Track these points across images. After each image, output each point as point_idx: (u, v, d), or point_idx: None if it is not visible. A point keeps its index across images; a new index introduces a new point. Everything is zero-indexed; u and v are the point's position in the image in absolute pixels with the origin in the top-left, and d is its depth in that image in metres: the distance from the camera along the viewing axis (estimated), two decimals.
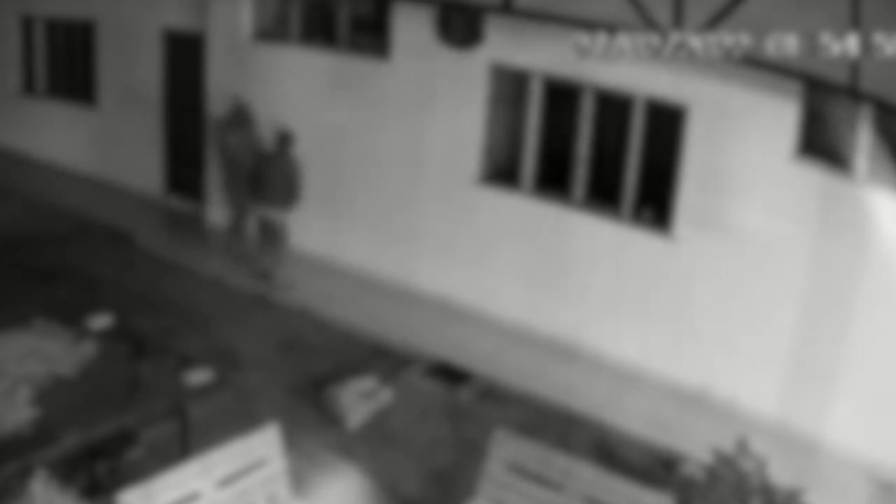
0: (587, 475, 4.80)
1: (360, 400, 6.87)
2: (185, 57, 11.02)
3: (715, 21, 5.98)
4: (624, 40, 5.47)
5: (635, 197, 8.00)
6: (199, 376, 5.66)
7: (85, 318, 6.16)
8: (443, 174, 8.85)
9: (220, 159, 10.06)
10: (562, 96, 8.23)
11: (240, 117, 9.65)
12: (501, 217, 8.60)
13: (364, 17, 9.46)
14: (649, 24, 6.30)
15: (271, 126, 9.51)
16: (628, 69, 7.37)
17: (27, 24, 13.02)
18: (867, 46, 4.95)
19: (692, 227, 7.61)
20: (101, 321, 6.16)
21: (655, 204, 7.90)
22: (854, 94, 5.81)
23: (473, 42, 8.50)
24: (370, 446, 6.52)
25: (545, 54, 8.02)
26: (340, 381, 7.08)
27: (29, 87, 13.21)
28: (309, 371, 7.54)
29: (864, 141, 6.52)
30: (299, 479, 5.42)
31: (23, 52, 13.14)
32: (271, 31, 10.11)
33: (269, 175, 9.12)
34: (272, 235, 9.30)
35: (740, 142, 7.23)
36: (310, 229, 10.01)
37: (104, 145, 12.24)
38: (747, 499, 5.36)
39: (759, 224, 7.21)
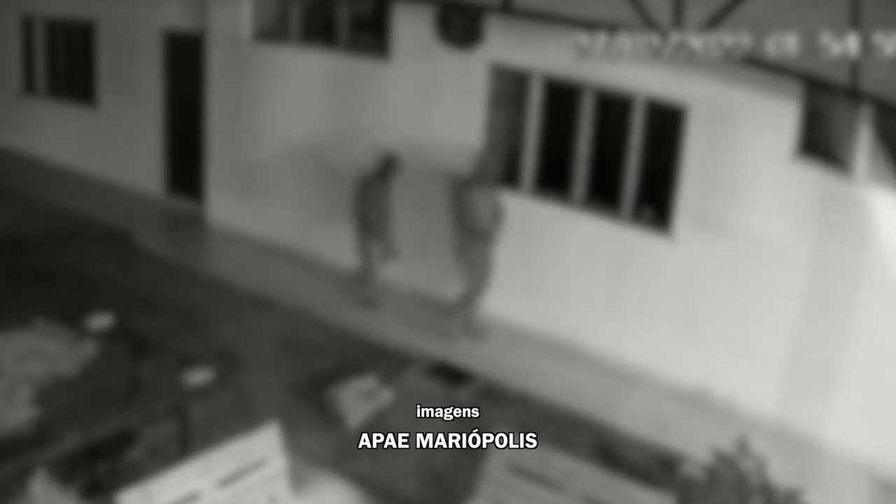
0: (587, 475, 4.80)
1: (360, 400, 6.87)
2: (185, 57, 11.02)
3: (715, 21, 5.98)
4: (624, 40, 5.47)
5: (635, 197, 8.00)
6: (199, 376, 5.65)
7: (85, 318, 6.15)
8: (443, 174, 8.84)
9: (455, 219, 8.27)
10: (562, 96, 8.24)
11: (486, 174, 8.08)
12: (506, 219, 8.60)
13: (364, 17, 9.46)
14: (649, 24, 6.30)
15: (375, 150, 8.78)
16: (628, 69, 7.37)
17: (27, 24, 13.02)
18: (867, 46, 4.94)
19: (692, 227, 7.61)
20: (101, 321, 6.16)
21: (655, 204, 7.90)
22: (854, 94, 5.81)
23: (473, 42, 8.50)
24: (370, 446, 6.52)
25: (545, 54, 8.02)
26: (340, 381, 7.07)
27: (29, 87, 13.21)
28: (309, 371, 7.54)
29: (864, 141, 6.52)
30: (299, 479, 5.42)
31: (23, 52, 13.15)
32: (271, 31, 10.11)
33: (365, 201, 8.51)
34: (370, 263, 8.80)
35: (740, 142, 7.23)
36: (309, 228, 10.03)
37: (104, 145, 12.25)
38: (747, 499, 5.36)
39: (759, 224, 7.21)
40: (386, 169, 8.51)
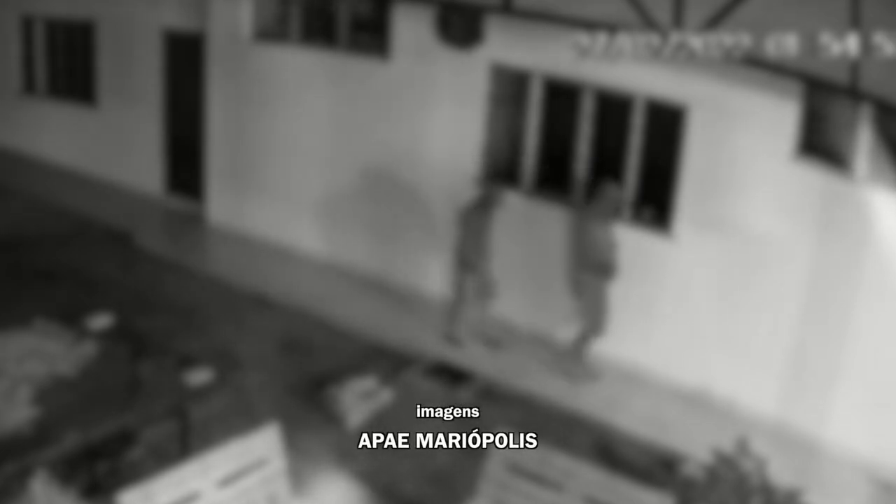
0: (587, 475, 4.79)
1: (360, 400, 6.87)
2: (185, 57, 11.02)
3: (715, 21, 5.98)
4: (624, 40, 5.46)
5: (635, 197, 8.00)
6: (199, 376, 5.66)
7: (85, 318, 6.16)
8: (443, 174, 8.85)
9: (578, 255, 7.84)
10: (562, 96, 8.23)
11: (607, 205, 7.61)
12: (501, 217, 8.58)
13: (364, 17, 9.46)
14: (649, 24, 6.30)
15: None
16: (628, 69, 7.37)
17: (27, 24, 13.02)
18: (867, 46, 4.94)
19: (692, 227, 7.61)
20: (101, 321, 6.16)
21: (655, 204, 7.90)
22: (854, 94, 5.81)
23: (473, 42, 8.50)
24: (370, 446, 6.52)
25: (545, 54, 8.02)
26: (340, 381, 7.07)
27: (29, 87, 13.21)
28: (309, 371, 7.54)
29: (864, 141, 6.52)
30: (299, 479, 5.42)
31: (23, 52, 13.15)
32: (271, 31, 10.11)
33: (464, 234, 8.09)
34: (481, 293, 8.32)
35: (740, 142, 7.23)
36: (308, 229, 10.03)
37: (104, 145, 12.25)
38: (747, 499, 5.36)
39: (759, 224, 7.21)
40: (486, 202, 8.08)
